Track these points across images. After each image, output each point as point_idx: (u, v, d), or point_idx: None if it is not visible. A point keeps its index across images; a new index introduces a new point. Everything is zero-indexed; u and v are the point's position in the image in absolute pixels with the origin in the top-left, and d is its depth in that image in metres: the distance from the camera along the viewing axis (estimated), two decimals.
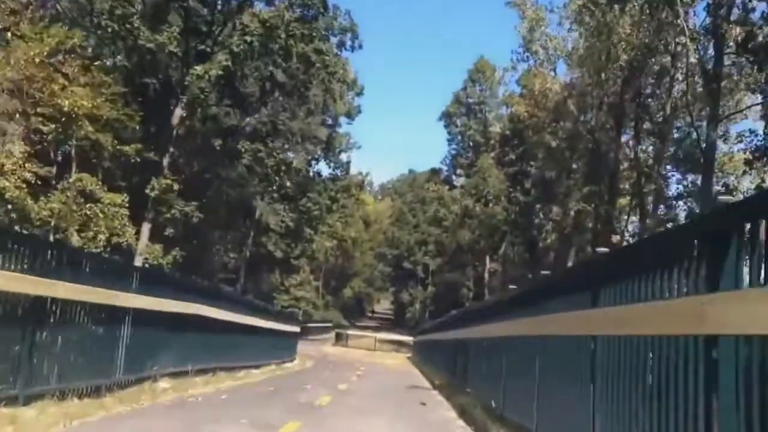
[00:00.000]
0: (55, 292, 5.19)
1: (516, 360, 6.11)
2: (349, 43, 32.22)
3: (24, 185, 14.25)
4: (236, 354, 12.30)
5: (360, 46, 32.72)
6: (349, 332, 41.34)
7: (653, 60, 25.55)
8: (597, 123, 29.61)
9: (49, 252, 5.38)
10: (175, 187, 21.13)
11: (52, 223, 15.87)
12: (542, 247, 40.78)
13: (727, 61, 22.13)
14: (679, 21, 21.44)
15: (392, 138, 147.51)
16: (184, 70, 21.53)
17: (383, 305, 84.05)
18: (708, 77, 21.49)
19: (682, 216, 27.79)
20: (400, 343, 37.30)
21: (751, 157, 20.50)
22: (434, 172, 60.99)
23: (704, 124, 22.92)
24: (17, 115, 14.83)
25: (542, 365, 4.93)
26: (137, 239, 19.84)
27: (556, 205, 35.87)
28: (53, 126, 15.61)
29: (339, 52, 31.43)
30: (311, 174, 38.32)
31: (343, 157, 49.97)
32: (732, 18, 20.40)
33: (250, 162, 27.32)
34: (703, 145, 21.76)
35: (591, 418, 3.55)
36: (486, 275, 47.45)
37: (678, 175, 30.09)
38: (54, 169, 17.37)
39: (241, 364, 12.45)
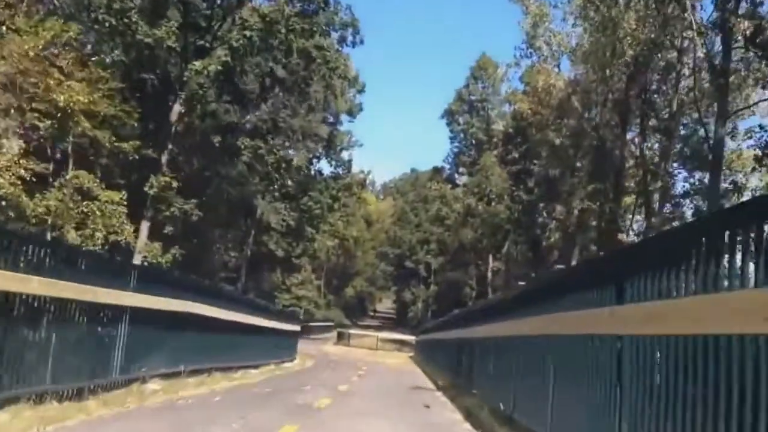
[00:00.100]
0: (27, 287, 4.86)
1: (528, 360, 5.76)
2: (350, 38, 31.92)
3: (19, 182, 14.01)
4: (233, 354, 11.99)
5: (361, 42, 32.40)
6: (351, 331, 41.06)
7: (659, 55, 25.23)
8: (602, 120, 29.29)
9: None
10: (174, 184, 20.89)
11: (49, 221, 15.64)
12: (546, 246, 40.48)
13: (734, 56, 21.79)
14: (686, 14, 21.11)
15: (394, 136, 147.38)
16: (182, 66, 21.24)
17: (385, 304, 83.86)
18: (716, 72, 21.15)
19: (689, 214, 27.41)
20: (402, 343, 37.01)
21: (760, 154, 20.16)
22: (436, 170, 60.74)
23: (712, 120, 22.57)
24: (12, 111, 14.58)
25: (558, 366, 4.58)
26: (136, 237, 19.60)
27: (560, 204, 35.58)
28: (49, 122, 15.36)
29: (340, 48, 31.10)
30: (312, 172, 38.01)
31: (345, 155, 49.75)
32: (740, 11, 20.09)
33: (250, 159, 27.02)
34: (711, 142, 21.40)
35: (616, 424, 3.20)
36: (489, 274, 47.14)
37: (684, 173, 29.71)
38: (51, 166, 17.12)
39: (239, 364, 12.12)
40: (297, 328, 22.08)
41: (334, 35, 30.29)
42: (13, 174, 13.93)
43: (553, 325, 4.50)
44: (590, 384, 3.74)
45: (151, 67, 22.08)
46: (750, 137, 23.79)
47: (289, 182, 32.76)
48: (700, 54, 22.28)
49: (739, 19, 19.71)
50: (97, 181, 17.55)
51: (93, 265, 6.21)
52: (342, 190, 41.69)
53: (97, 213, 17.09)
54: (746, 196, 24.35)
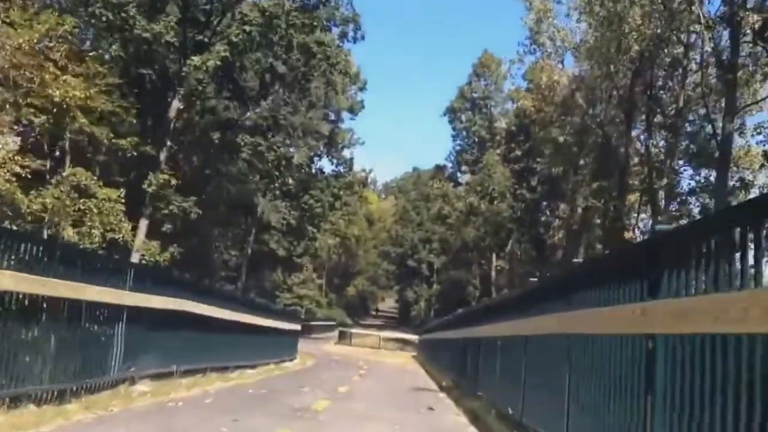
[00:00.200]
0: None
1: (540, 362, 5.40)
2: (351, 34, 31.54)
3: (14, 179, 13.75)
4: (230, 353, 11.66)
5: (362, 38, 32.01)
6: (353, 330, 40.75)
7: (665, 51, 24.87)
8: (606, 117, 28.96)
9: None
10: (173, 182, 20.59)
11: (46, 219, 15.38)
12: (550, 245, 40.14)
13: (743, 51, 21.44)
14: (693, 8, 20.76)
15: (396, 134, 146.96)
16: (181, 61, 20.93)
17: (388, 303, 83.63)
18: (724, 67, 20.82)
19: (695, 212, 27.02)
20: (405, 342, 36.68)
21: None
22: (439, 168, 60.45)
23: (719, 116, 22.21)
24: (7, 106, 14.31)
25: (576, 368, 4.22)
26: (134, 235, 19.32)
27: (564, 202, 35.24)
28: (45, 117, 15.08)
29: (341, 44, 30.74)
30: (313, 170, 37.65)
31: (346, 153, 49.35)
32: (749, 5, 19.76)
33: (250, 157, 26.68)
34: (719, 138, 21.04)
35: None
36: (493, 273, 46.78)
37: (690, 170, 29.29)
38: (48, 163, 16.86)
39: (236, 364, 11.79)
40: (297, 327, 21.76)
41: (335, 31, 29.97)
42: (8, 171, 13.68)
43: (576, 323, 4.13)
44: (616, 388, 3.39)
45: (150, 63, 21.76)
46: (759, 133, 23.45)
47: (290, 180, 32.44)
48: (708, 49, 21.93)
49: (747, 13, 19.39)
50: (95, 178, 17.25)
51: (72, 260, 5.87)
52: (343, 188, 41.28)
53: (95, 210, 16.79)
54: (753, 194, 24.00)
